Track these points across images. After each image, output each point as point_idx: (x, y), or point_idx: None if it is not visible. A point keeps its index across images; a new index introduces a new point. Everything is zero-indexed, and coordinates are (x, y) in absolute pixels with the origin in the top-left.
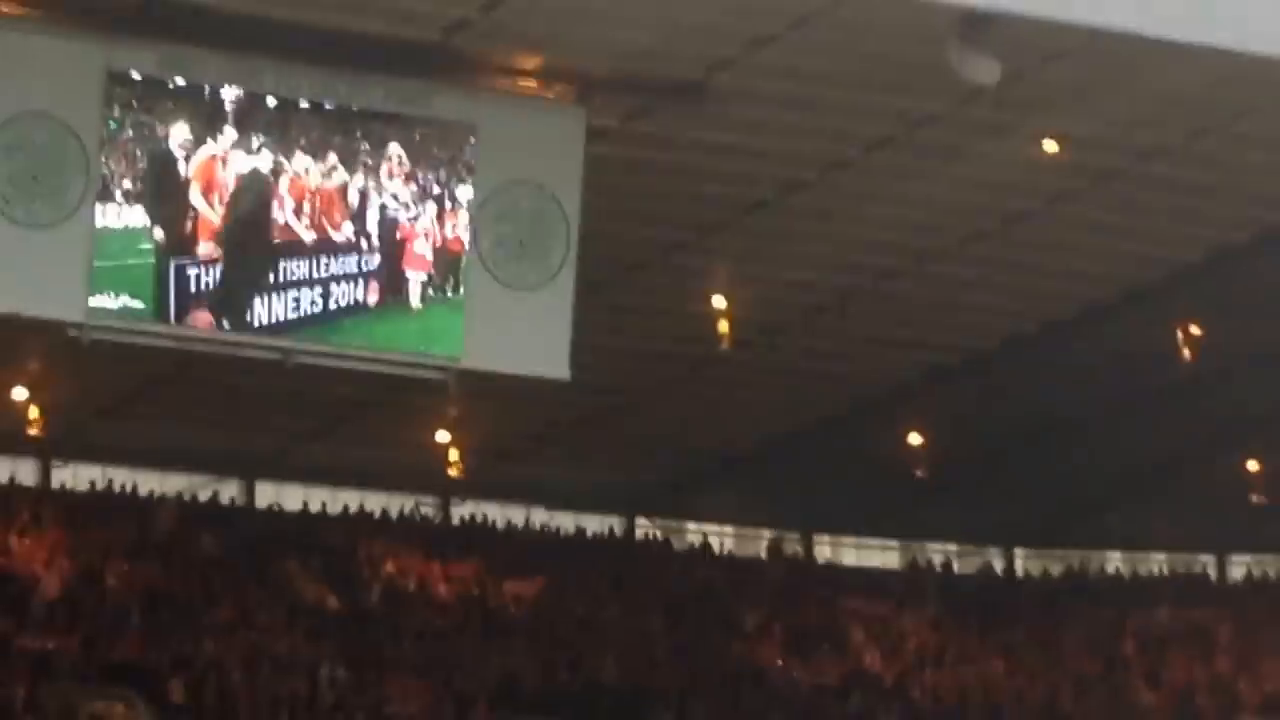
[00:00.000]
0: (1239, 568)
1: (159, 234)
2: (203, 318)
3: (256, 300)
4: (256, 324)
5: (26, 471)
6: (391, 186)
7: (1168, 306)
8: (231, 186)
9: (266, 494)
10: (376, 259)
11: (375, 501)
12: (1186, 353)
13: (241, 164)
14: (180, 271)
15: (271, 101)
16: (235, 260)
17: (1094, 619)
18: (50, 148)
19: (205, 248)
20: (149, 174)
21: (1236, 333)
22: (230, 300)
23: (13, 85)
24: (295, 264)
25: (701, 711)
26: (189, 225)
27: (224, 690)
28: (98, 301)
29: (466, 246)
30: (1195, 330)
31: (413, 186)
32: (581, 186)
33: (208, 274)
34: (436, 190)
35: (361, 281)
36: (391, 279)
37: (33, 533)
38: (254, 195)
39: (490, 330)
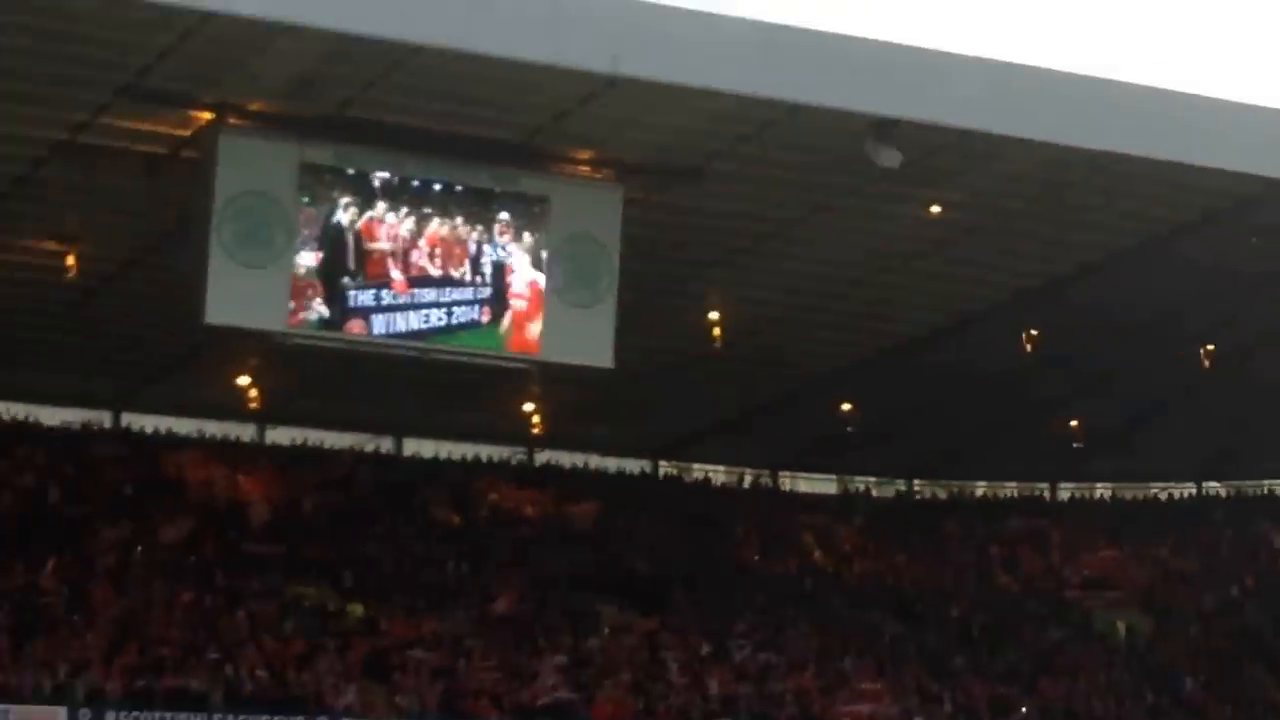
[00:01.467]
0: (1065, 491)
1: (332, 266)
2: (358, 326)
3: (398, 316)
4: (397, 332)
5: (247, 432)
6: (499, 240)
7: (1015, 316)
8: (383, 239)
9: (411, 446)
10: (488, 290)
11: (484, 451)
12: (1028, 346)
13: (390, 223)
14: (345, 296)
15: (415, 182)
16: (376, 289)
17: (968, 527)
18: (266, 214)
19: (361, 280)
20: (326, 231)
21: (1062, 334)
22: (380, 315)
23: (239, 172)
24: (427, 292)
25: (705, 592)
26: (352, 264)
27: (381, 578)
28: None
29: (546, 280)
30: (1034, 332)
31: (508, 238)
32: (620, 239)
33: (364, 298)
34: (528, 240)
35: (476, 305)
36: (496, 304)
37: (252, 474)
38: (399, 245)
39: (559, 336)
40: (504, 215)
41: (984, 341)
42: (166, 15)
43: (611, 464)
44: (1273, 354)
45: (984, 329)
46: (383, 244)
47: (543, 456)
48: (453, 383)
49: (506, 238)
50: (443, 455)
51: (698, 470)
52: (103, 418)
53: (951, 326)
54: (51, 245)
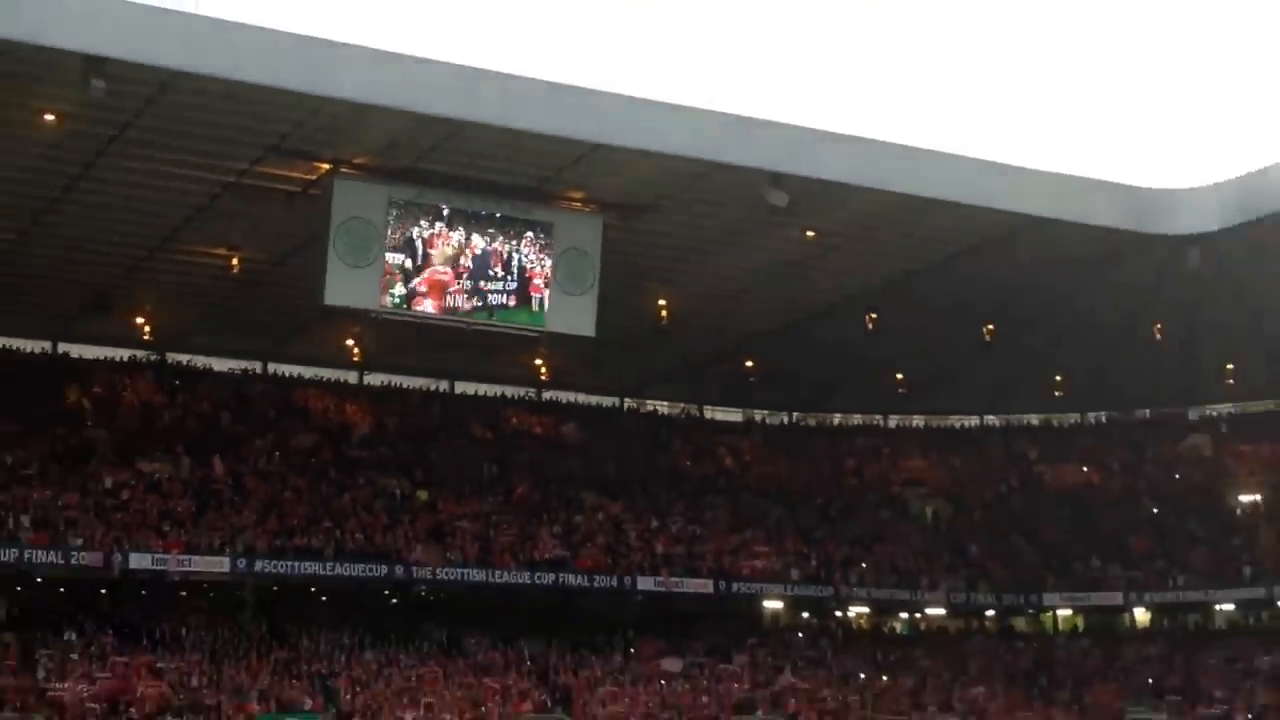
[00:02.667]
0: (893, 421)
1: (408, 266)
2: (420, 303)
3: (449, 298)
4: (438, 309)
5: (352, 376)
6: (525, 250)
7: (861, 305)
8: (445, 247)
9: (460, 386)
10: (515, 284)
11: (508, 390)
12: (870, 324)
13: (448, 238)
14: (411, 285)
15: (465, 212)
16: (438, 282)
17: (829, 443)
18: (365, 232)
19: (428, 273)
20: (404, 243)
21: (893, 316)
22: (439, 297)
23: (347, 204)
24: (471, 284)
25: (653, 487)
26: (418, 264)
27: (440, 474)
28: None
29: (551, 277)
30: (873, 315)
31: (531, 250)
32: (600, 251)
33: (420, 286)
34: (540, 251)
35: (507, 294)
36: (522, 294)
37: (355, 404)
38: (452, 250)
39: (559, 314)
40: (527, 234)
41: (840, 321)
42: (299, 98)
43: (593, 399)
44: (1032, 332)
45: (841, 313)
46: (442, 251)
47: (547, 394)
48: (488, 344)
49: (527, 249)
50: (481, 393)
51: (650, 404)
52: (255, 366)
53: (820, 311)
54: (222, 250)
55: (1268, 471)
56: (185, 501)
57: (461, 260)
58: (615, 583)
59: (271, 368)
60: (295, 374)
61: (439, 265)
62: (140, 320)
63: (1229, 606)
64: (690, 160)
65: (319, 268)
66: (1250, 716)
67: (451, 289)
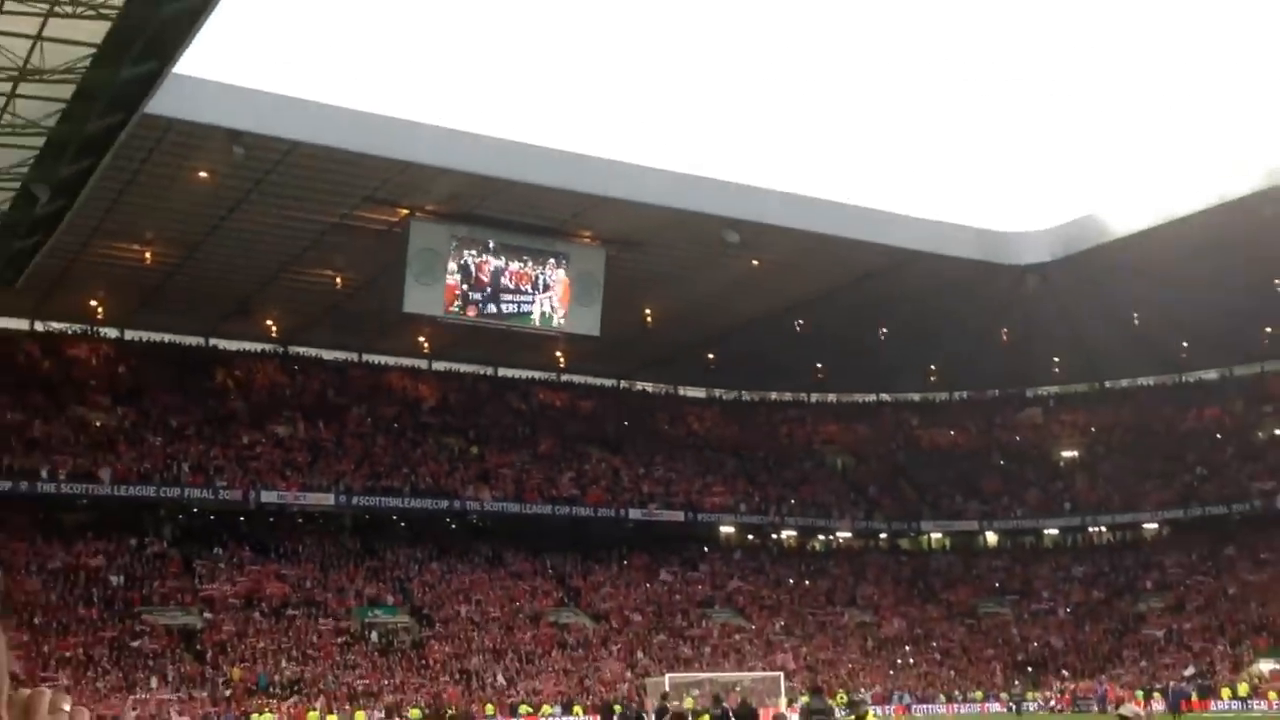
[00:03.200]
0: (814, 397)
1: (462, 287)
2: (474, 311)
3: (491, 306)
4: (486, 314)
5: (423, 363)
6: (550, 273)
7: (793, 314)
8: (486, 270)
9: (503, 371)
10: (541, 298)
11: (536, 374)
12: (798, 328)
13: (491, 263)
14: (466, 297)
15: (507, 244)
16: (486, 295)
17: (766, 414)
18: (433, 260)
19: (476, 292)
20: (461, 266)
21: (815, 323)
22: (479, 307)
23: (420, 239)
24: (509, 297)
25: (640, 445)
26: (472, 282)
27: (486, 434)
28: (442, 307)
29: (568, 292)
30: (800, 321)
31: (555, 273)
32: (604, 274)
33: (476, 296)
34: (562, 274)
35: (535, 305)
36: (546, 305)
37: (424, 383)
38: (493, 272)
39: (574, 320)
40: (549, 261)
41: (777, 324)
42: (386, 162)
43: (598, 380)
44: (914, 333)
45: (778, 319)
46: (488, 273)
47: (565, 377)
48: (523, 340)
49: (550, 272)
50: (516, 375)
51: (639, 384)
52: (353, 355)
53: (763, 317)
54: (329, 272)
55: (1083, 435)
56: (301, 453)
57: (503, 280)
58: (613, 513)
59: (365, 357)
60: (381, 361)
61: (487, 283)
62: (270, 321)
63: (1054, 531)
64: (668, 209)
65: (399, 285)
66: (1069, 609)
67: (496, 301)
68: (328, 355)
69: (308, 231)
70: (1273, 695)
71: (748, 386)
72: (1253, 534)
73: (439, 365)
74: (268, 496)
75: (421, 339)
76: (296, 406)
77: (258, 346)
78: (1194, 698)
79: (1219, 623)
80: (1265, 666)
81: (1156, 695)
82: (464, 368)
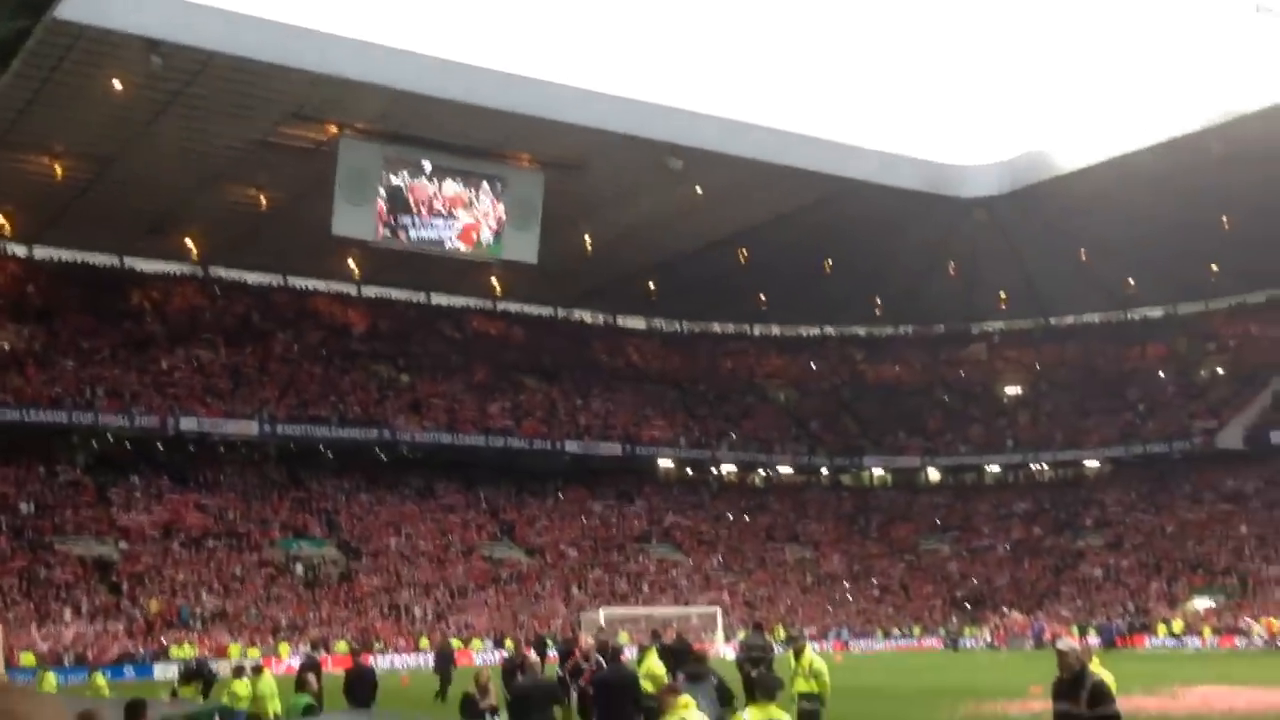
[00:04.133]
0: (757, 330)
1: (394, 210)
2: (404, 234)
3: (424, 230)
4: (419, 239)
5: (352, 288)
6: (484, 197)
7: (737, 243)
8: (419, 193)
9: (435, 298)
10: (476, 222)
11: (470, 301)
12: (742, 259)
13: (424, 185)
14: (398, 220)
15: (440, 166)
16: (418, 218)
17: (709, 346)
18: (363, 180)
19: (408, 216)
20: (392, 188)
21: (758, 251)
22: (411, 231)
23: (350, 159)
24: (443, 221)
25: (578, 375)
26: (404, 205)
27: (417, 362)
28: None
29: (504, 217)
30: (744, 251)
31: (489, 197)
32: (542, 199)
33: (407, 220)
34: (495, 198)
35: (470, 230)
36: (481, 230)
37: (354, 309)
38: (426, 195)
39: (510, 246)
40: (485, 184)
41: (720, 254)
42: (310, 76)
43: (533, 309)
44: (859, 267)
45: (720, 249)
46: (421, 196)
47: (501, 305)
48: (457, 267)
49: (486, 196)
50: (451, 303)
51: (577, 314)
52: (278, 279)
53: (704, 247)
54: (252, 191)
55: (1026, 372)
56: (223, 380)
57: (436, 203)
58: (549, 446)
59: (290, 280)
60: (308, 286)
61: (419, 206)
62: (189, 241)
63: (996, 468)
64: (609, 133)
65: (327, 206)
66: (1008, 545)
67: (428, 225)
68: (251, 278)
69: (230, 148)
70: (1206, 631)
71: (689, 317)
72: (1193, 472)
73: (369, 291)
74: (187, 424)
75: (351, 263)
76: (218, 331)
77: (176, 268)
78: (1128, 634)
79: (1156, 560)
80: (1199, 604)
81: (1091, 631)
82: (395, 293)
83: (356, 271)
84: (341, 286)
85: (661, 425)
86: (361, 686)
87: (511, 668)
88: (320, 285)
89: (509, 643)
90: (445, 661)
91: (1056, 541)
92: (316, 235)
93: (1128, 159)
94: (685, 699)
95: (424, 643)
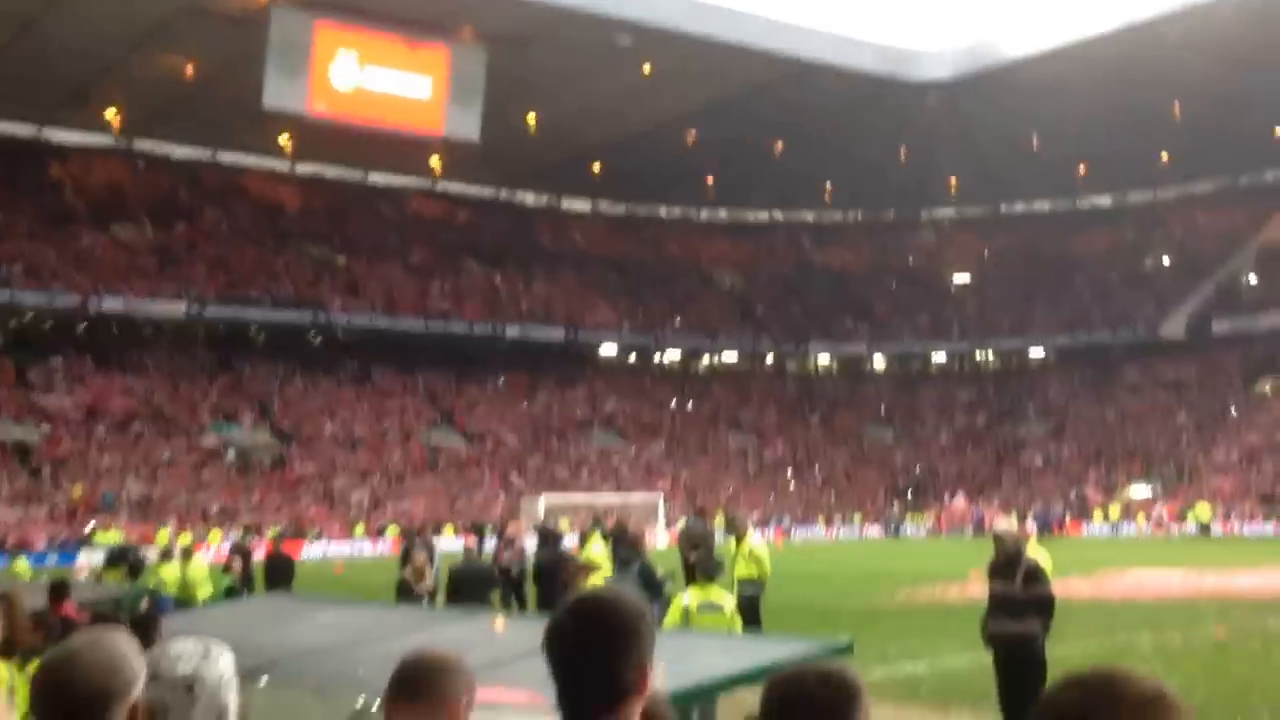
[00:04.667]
0: (704, 213)
1: (329, 82)
2: (340, 108)
3: (360, 104)
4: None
5: (285, 165)
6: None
7: (684, 125)
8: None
9: (373, 177)
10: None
11: (410, 182)
12: (690, 141)
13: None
14: (333, 93)
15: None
16: (355, 92)
17: (650, 230)
18: (294, 48)
19: (344, 89)
20: (327, 60)
21: (707, 134)
22: (353, 104)
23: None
24: (381, 95)
25: (518, 260)
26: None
27: (354, 244)
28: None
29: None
30: (693, 133)
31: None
32: (485, 75)
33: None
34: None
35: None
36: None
37: (288, 187)
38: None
39: (453, 123)
40: (427, 58)
41: (668, 136)
42: None
43: (475, 190)
44: (810, 151)
45: (668, 130)
46: (360, 69)
47: (441, 185)
48: (395, 144)
49: (428, 71)
50: (389, 182)
51: (520, 196)
52: (206, 154)
53: (652, 128)
54: (179, 59)
55: (975, 259)
56: (148, 258)
57: (374, 76)
58: (490, 330)
59: (219, 156)
60: (238, 162)
61: (357, 80)
62: (112, 113)
63: (942, 357)
64: (556, 7)
65: (259, 78)
66: (951, 434)
67: (365, 99)
68: (178, 152)
69: (154, 12)
70: (1141, 519)
71: (635, 201)
72: (1135, 361)
73: (303, 168)
74: (110, 304)
75: (283, 138)
76: (142, 207)
77: (98, 140)
78: (1065, 520)
79: (1096, 449)
80: (1137, 491)
81: (1029, 517)
82: (330, 171)
83: (289, 147)
84: (274, 163)
85: (605, 310)
86: (276, 574)
87: (406, 550)
88: (251, 161)
89: (392, 529)
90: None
91: (999, 430)
92: (247, 108)
93: (1082, 45)
94: (594, 576)
95: (359, 530)
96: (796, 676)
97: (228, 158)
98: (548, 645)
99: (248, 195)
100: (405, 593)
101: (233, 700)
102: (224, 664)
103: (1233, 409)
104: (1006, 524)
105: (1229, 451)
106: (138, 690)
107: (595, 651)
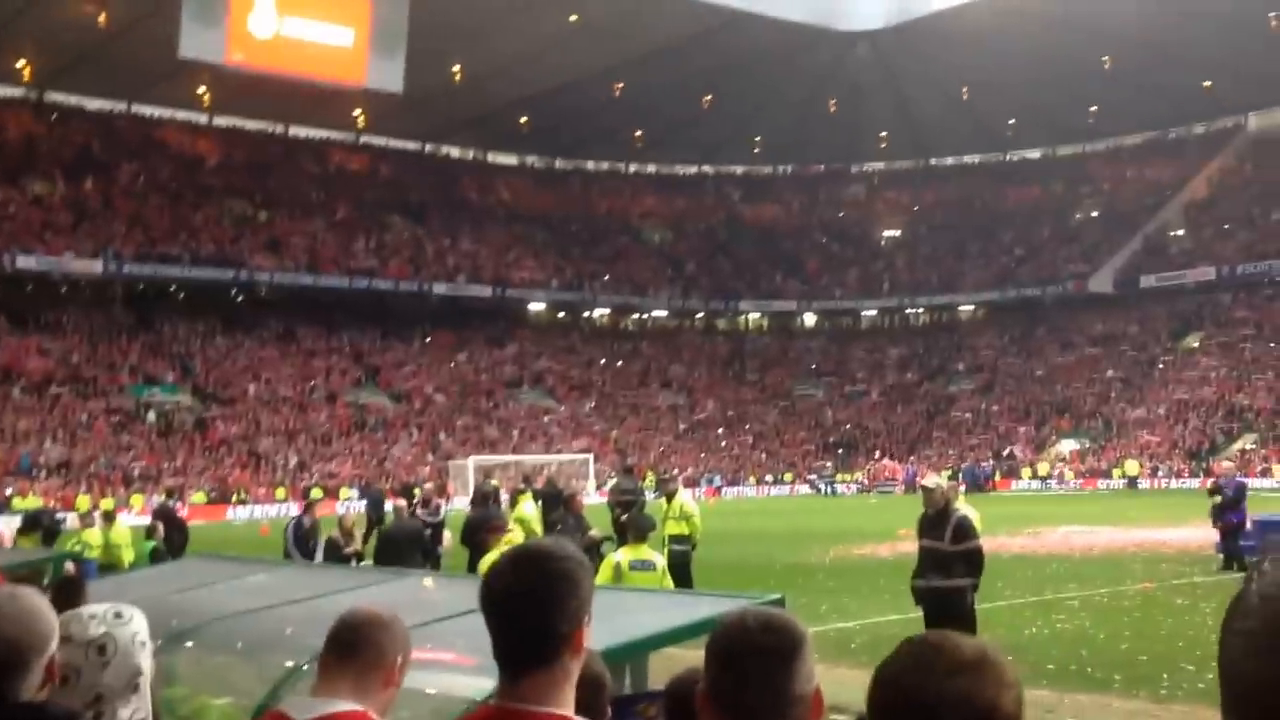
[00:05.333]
0: (633, 168)
1: (247, 30)
2: (259, 58)
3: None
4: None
5: (203, 119)
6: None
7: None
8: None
9: (294, 130)
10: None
11: (334, 135)
12: (616, 93)
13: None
14: (251, 42)
15: None
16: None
17: (580, 183)
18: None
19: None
20: (244, 6)
21: (635, 86)
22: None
23: None
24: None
25: (443, 212)
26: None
27: (275, 199)
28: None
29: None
30: (620, 85)
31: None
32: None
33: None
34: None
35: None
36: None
37: (206, 138)
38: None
39: (374, 72)
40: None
41: (595, 88)
42: None
43: (399, 143)
44: (739, 103)
45: (595, 82)
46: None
47: (364, 138)
48: (316, 96)
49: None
50: (311, 135)
51: (445, 149)
52: (121, 106)
53: (578, 80)
54: (90, 8)
55: (905, 214)
56: (63, 214)
57: (294, 25)
58: (416, 287)
59: (135, 108)
60: (155, 114)
61: (276, 28)
62: (21, 63)
63: (872, 313)
64: None
65: (174, 25)
66: (882, 390)
67: (285, 48)
68: (91, 104)
69: None
70: (1070, 474)
71: (563, 155)
72: (1063, 316)
73: (221, 121)
74: (24, 261)
75: (201, 90)
76: (55, 161)
77: (7, 91)
78: (995, 478)
79: (1025, 404)
80: (1065, 447)
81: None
82: (250, 124)
83: (207, 99)
84: (191, 115)
85: (532, 267)
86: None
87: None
88: (168, 114)
89: (316, 492)
90: (377, 508)
91: (929, 386)
92: (162, 59)
93: None
94: (509, 535)
95: (281, 492)
96: (738, 622)
97: (144, 110)
98: (484, 595)
99: (165, 149)
100: (333, 553)
101: (146, 662)
102: (136, 625)
103: (1160, 364)
104: (934, 477)
105: (1156, 406)
106: (53, 647)
107: (533, 600)
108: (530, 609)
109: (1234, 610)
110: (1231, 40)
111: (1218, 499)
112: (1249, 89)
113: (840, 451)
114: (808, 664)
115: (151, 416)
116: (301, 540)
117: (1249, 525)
